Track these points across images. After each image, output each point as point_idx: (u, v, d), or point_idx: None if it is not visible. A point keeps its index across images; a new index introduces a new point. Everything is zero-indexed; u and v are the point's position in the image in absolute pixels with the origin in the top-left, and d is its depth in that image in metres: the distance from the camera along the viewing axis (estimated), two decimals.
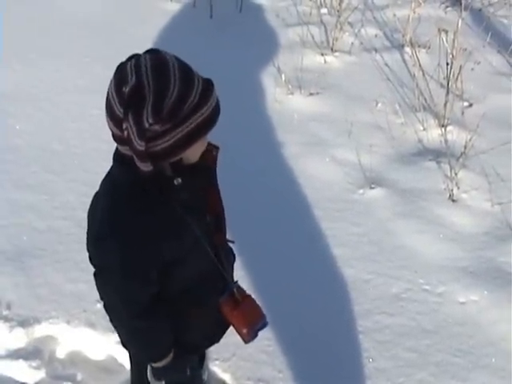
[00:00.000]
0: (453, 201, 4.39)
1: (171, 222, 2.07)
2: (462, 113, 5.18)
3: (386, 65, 5.87)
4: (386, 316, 3.60)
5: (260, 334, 3.15)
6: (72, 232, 4.01)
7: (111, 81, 1.87)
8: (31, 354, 3.35)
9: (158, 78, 1.81)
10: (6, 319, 3.48)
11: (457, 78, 5.18)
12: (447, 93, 5.05)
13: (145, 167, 1.87)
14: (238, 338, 3.00)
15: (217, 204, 2.31)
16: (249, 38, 6.21)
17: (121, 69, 1.86)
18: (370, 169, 4.62)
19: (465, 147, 4.59)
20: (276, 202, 4.28)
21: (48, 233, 4.04)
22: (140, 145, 1.81)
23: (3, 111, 5.15)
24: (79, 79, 5.57)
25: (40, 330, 3.47)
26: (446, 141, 4.88)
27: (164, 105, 1.79)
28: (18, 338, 3.42)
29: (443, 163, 4.66)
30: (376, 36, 6.34)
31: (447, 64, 5.06)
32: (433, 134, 5.03)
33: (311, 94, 5.46)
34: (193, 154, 2.00)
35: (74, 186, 4.40)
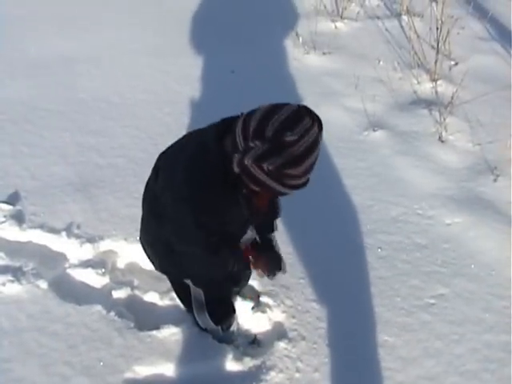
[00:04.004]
0: (441, 141, 4.36)
1: (236, 205, 2.22)
2: (450, 70, 5.16)
3: (387, 30, 5.79)
4: (386, 235, 3.61)
5: (282, 248, 3.20)
6: (127, 167, 4.04)
7: (287, 110, 1.92)
8: (97, 264, 3.40)
9: (305, 153, 1.90)
10: (77, 237, 3.52)
11: (445, 41, 5.10)
12: (437, 53, 5.00)
13: (235, 168, 2.00)
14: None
15: (263, 204, 2.45)
16: (270, 7, 6.18)
17: (299, 115, 1.91)
18: (374, 115, 4.59)
19: (452, 98, 4.56)
20: None
21: (108, 168, 4.06)
22: (247, 161, 1.94)
23: (71, 71, 5.16)
24: (132, 44, 5.56)
25: (104, 246, 3.52)
26: (436, 92, 4.83)
27: (287, 170, 1.92)
28: (87, 252, 3.47)
29: (434, 111, 4.62)
30: (378, 6, 6.28)
31: (437, 29, 5.00)
32: (425, 87, 4.99)
33: (324, 54, 5.42)
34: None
35: (128, 130, 4.42)
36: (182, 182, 2.16)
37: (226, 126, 2.10)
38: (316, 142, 1.92)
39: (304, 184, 2.04)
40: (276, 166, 1.91)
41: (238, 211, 2.26)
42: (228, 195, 2.15)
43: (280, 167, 1.91)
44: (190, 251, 2.39)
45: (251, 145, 1.91)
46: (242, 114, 2.04)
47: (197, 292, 2.69)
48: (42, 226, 3.61)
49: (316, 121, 1.93)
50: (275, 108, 1.93)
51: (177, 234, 2.34)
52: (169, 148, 2.37)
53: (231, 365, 2.91)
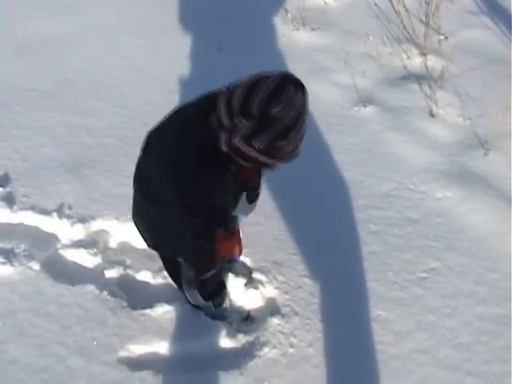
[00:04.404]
0: (432, 116, 4.35)
1: (224, 183, 2.17)
2: (439, 44, 5.12)
3: (376, 5, 5.74)
4: (377, 210, 3.61)
5: (274, 224, 3.19)
6: (117, 146, 4.02)
7: (270, 82, 1.89)
8: (89, 244, 3.39)
9: (293, 124, 1.88)
10: (69, 217, 3.51)
11: (434, 15, 5.11)
12: (426, 27, 4.98)
13: (223, 147, 1.99)
14: (257, 228, 3.06)
15: (249, 176, 2.40)
16: None
17: (282, 85, 1.89)
18: (364, 90, 4.58)
19: (441, 72, 4.56)
20: None
21: (98, 148, 4.04)
22: (235, 139, 1.93)
23: (58, 52, 5.12)
24: (119, 24, 5.51)
25: (95, 225, 3.50)
26: (426, 67, 4.82)
27: (276, 144, 1.91)
28: (79, 232, 3.45)
29: (424, 85, 4.61)
30: None
31: (426, 3, 5.01)
32: (415, 62, 4.96)
33: (313, 30, 5.38)
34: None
35: (117, 109, 4.39)
36: (168, 160, 2.15)
37: (211, 100, 2.07)
38: (302, 109, 1.91)
39: (296, 154, 2.02)
40: (265, 142, 1.90)
41: (224, 187, 2.23)
42: (215, 172, 2.13)
43: (270, 142, 1.90)
44: (178, 229, 2.37)
45: (237, 123, 1.90)
46: (224, 86, 2.02)
47: (187, 268, 2.68)
48: (33, 208, 3.59)
49: (299, 87, 1.91)
50: (258, 81, 1.91)
51: (167, 213, 2.32)
52: (157, 126, 2.35)
53: (225, 341, 2.93)
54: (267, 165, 2.02)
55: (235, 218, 2.78)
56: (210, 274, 2.60)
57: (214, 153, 2.04)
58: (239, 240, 2.68)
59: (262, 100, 1.86)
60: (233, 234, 2.65)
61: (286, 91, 1.87)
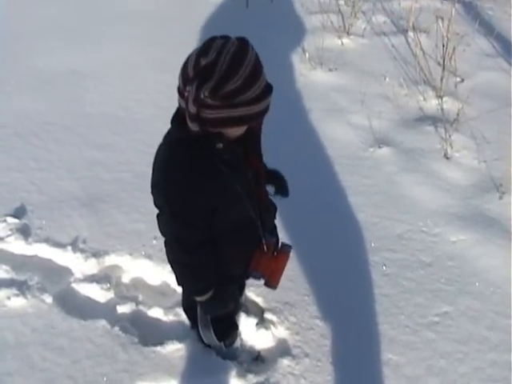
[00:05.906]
0: (447, 158, 4.36)
1: (215, 178, 2.05)
2: (455, 86, 5.15)
3: (393, 46, 5.83)
4: (390, 252, 3.60)
5: (287, 265, 3.14)
6: (133, 182, 4.05)
7: (198, 47, 1.90)
8: (102, 278, 3.39)
9: (232, 64, 1.82)
10: (82, 251, 3.53)
11: (451, 58, 5.13)
12: (443, 70, 5.02)
13: (193, 127, 1.89)
14: None
15: (256, 165, 2.27)
16: (279, 23, 6.20)
17: (210, 42, 1.88)
18: (379, 131, 4.60)
19: (457, 114, 4.57)
20: (302, 158, 4.26)
21: (114, 183, 4.07)
22: (192, 108, 1.85)
23: (78, 86, 5.21)
24: (138, 59, 5.60)
25: (109, 260, 3.51)
26: (442, 109, 4.83)
27: (224, 88, 1.81)
28: (92, 266, 3.47)
29: (439, 127, 4.63)
30: (384, 22, 6.33)
31: (443, 46, 5.04)
32: (431, 104, 5.00)
33: (330, 70, 5.45)
34: (232, 132, 2.00)
35: (134, 144, 4.43)
36: (153, 173, 2.16)
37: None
38: (238, 53, 1.85)
39: (259, 98, 1.91)
40: (212, 91, 1.82)
41: (224, 186, 2.09)
42: (203, 169, 2.03)
43: (215, 89, 1.82)
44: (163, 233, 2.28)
45: (186, 94, 1.87)
46: None
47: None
48: (47, 240, 3.62)
49: (231, 38, 1.89)
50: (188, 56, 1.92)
51: (160, 228, 2.27)
52: None
53: (234, 381, 2.90)
54: (241, 119, 1.91)
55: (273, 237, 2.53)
56: (201, 298, 2.42)
57: (195, 150, 1.99)
58: (275, 264, 2.47)
59: (193, 60, 1.86)
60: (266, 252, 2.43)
61: (214, 44, 1.86)
